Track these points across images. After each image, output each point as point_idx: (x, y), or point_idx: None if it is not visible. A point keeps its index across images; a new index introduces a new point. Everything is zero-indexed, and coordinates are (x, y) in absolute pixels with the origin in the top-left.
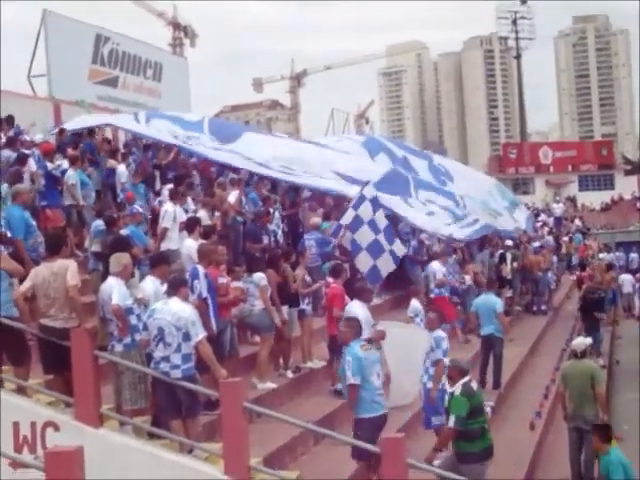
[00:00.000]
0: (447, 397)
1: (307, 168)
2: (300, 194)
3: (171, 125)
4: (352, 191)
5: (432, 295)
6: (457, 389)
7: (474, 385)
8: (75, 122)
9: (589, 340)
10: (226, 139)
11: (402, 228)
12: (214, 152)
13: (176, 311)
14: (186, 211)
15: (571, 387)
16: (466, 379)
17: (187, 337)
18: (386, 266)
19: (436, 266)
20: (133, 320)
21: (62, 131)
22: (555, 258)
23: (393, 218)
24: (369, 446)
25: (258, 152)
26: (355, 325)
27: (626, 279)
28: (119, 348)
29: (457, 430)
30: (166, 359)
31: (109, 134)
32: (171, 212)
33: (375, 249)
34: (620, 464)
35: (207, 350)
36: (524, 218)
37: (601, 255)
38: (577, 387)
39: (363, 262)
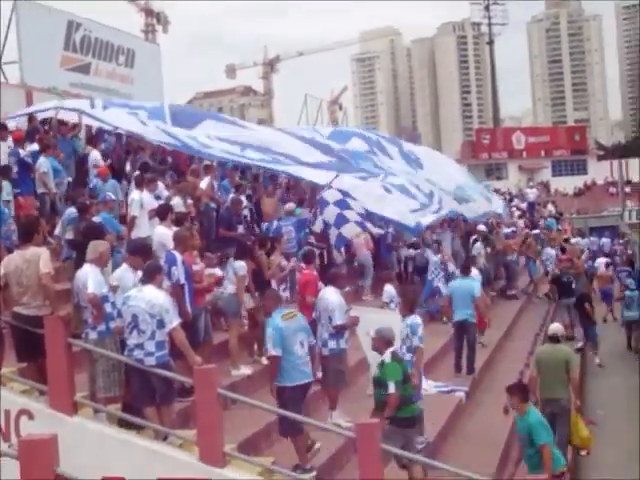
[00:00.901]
0: (376, 367)
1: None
2: (275, 180)
3: (129, 111)
4: (319, 177)
5: None
6: (387, 357)
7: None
8: (34, 108)
9: (561, 327)
10: (187, 127)
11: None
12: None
13: (150, 298)
14: (158, 197)
15: (545, 371)
16: (392, 348)
17: (161, 324)
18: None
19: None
20: (108, 308)
21: (32, 118)
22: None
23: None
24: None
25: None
26: (274, 296)
27: (602, 263)
28: (93, 336)
29: (398, 395)
30: (140, 346)
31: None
32: (137, 200)
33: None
34: (540, 423)
35: (181, 337)
36: (500, 203)
37: (574, 240)
38: (552, 372)
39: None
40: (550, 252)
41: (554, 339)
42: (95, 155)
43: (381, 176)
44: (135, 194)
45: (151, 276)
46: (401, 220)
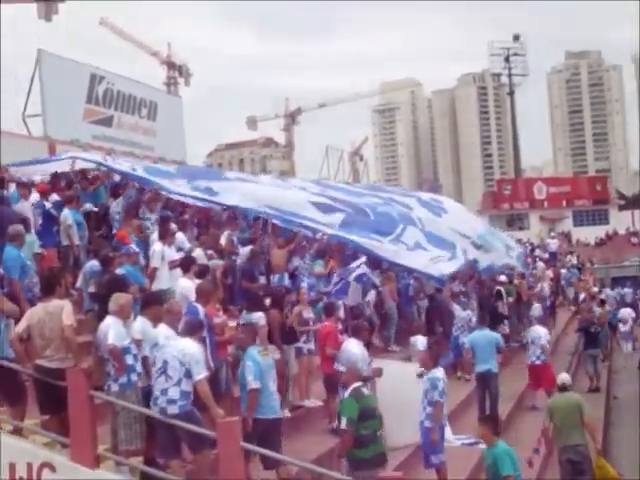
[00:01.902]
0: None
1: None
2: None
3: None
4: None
5: (531, 361)
6: (347, 392)
7: (365, 390)
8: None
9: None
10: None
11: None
12: (191, 192)
13: (183, 347)
14: (180, 250)
15: (559, 420)
16: (358, 384)
17: (189, 374)
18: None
19: (542, 331)
20: (130, 360)
21: (56, 174)
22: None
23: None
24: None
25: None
26: (250, 330)
27: (625, 312)
28: (115, 388)
29: (350, 432)
30: (165, 392)
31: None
32: (159, 251)
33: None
34: (507, 454)
35: (206, 389)
36: (515, 255)
37: (595, 289)
38: (565, 419)
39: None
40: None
41: (563, 388)
42: (116, 208)
43: (394, 235)
44: (157, 246)
45: (191, 331)
46: (425, 270)
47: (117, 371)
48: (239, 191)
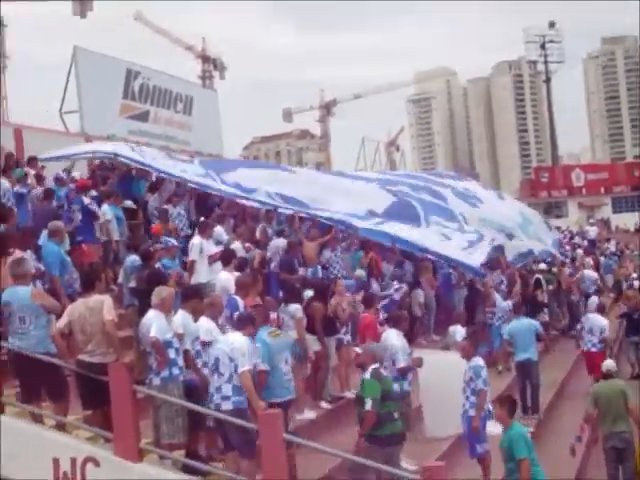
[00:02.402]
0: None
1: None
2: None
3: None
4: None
5: (587, 348)
6: (367, 374)
7: (384, 371)
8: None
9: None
10: (217, 171)
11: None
12: (216, 185)
13: (232, 342)
14: (219, 242)
15: (604, 407)
16: (376, 365)
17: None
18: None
19: (603, 321)
20: (172, 354)
21: (92, 165)
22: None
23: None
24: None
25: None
26: (261, 311)
27: None
28: (156, 381)
29: (374, 413)
30: (218, 389)
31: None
32: (197, 245)
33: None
34: (522, 437)
35: (248, 382)
36: (551, 242)
37: (634, 275)
38: (610, 406)
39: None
40: (591, 275)
41: (608, 375)
42: (153, 202)
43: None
44: (195, 239)
45: (243, 325)
46: (464, 260)
47: (159, 365)
48: (267, 185)
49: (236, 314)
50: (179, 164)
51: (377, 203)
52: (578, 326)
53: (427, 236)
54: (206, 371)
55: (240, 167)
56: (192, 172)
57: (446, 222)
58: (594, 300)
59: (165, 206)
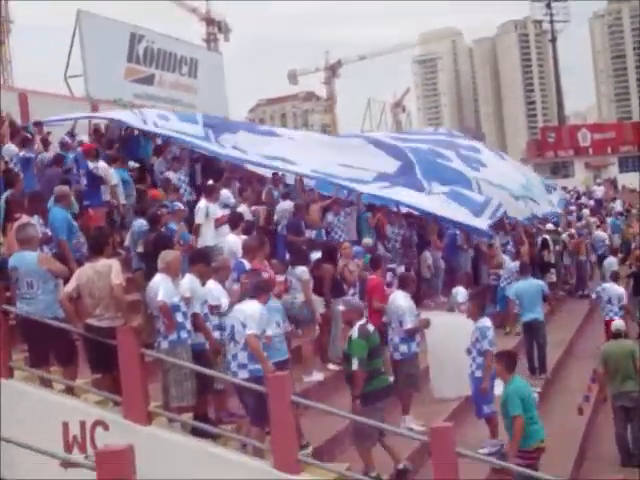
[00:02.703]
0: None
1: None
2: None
3: (159, 113)
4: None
5: (609, 317)
6: (354, 332)
7: (370, 327)
8: (65, 116)
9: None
10: (221, 131)
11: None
12: (219, 149)
13: (245, 309)
14: (226, 206)
15: (613, 366)
16: (362, 321)
17: None
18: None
19: (620, 290)
20: (179, 317)
21: (97, 130)
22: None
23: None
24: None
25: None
26: (252, 277)
27: None
28: (165, 345)
29: (362, 372)
30: (235, 357)
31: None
32: (203, 208)
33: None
34: (516, 393)
35: (256, 345)
36: (557, 201)
37: None
38: (619, 366)
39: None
40: (601, 235)
41: (617, 335)
42: (158, 165)
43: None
44: (201, 202)
45: (260, 293)
46: (472, 223)
47: (167, 328)
48: (265, 148)
49: (253, 282)
50: (180, 124)
51: (386, 166)
52: (593, 295)
53: (433, 201)
54: (216, 334)
55: (242, 130)
56: (192, 133)
57: (450, 186)
58: (611, 264)
59: (166, 173)
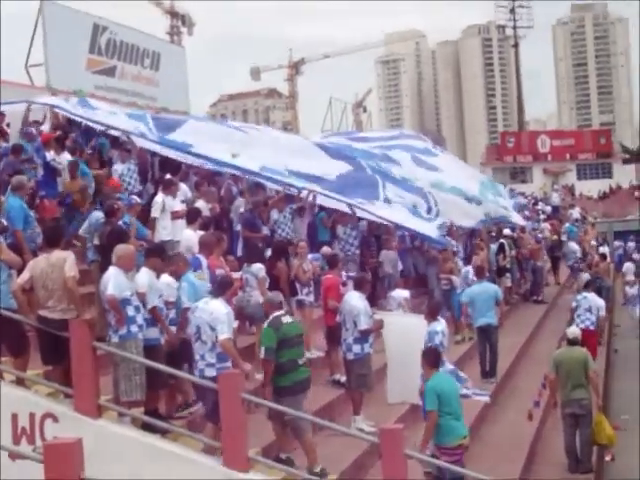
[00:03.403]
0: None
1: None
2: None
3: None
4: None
5: (585, 326)
6: (266, 322)
7: (285, 319)
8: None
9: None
10: (167, 128)
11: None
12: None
13: (212, 310)
14: (183, 201)
15: (565, 373)
16: (279, 313)
17: None
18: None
19: (600, 302)
20: (130, 311)
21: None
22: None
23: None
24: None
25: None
26: (182, 258)
27: (629, 267)
28: (115, 339)
29: (269, 360)
30: (202, 357)
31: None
32: (160, 202)
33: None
34: (433, 390)
35: (231, 349)
36: (511, 206)
37: (593, 242)
38: (571, 373)
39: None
40: (573, 246)
41: (572, 342)
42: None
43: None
44: (158, 196)
45: (222, 290)
46: (427, 232)
47: (117, 322)
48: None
49: (217, 280)
50: (126, 120)
51: (330, 169)
52: (573, 304)
53: (386, 208)
54: (172, 329)
55: (191, 120)
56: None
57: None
58: (584, 278)
59: (115, 165)
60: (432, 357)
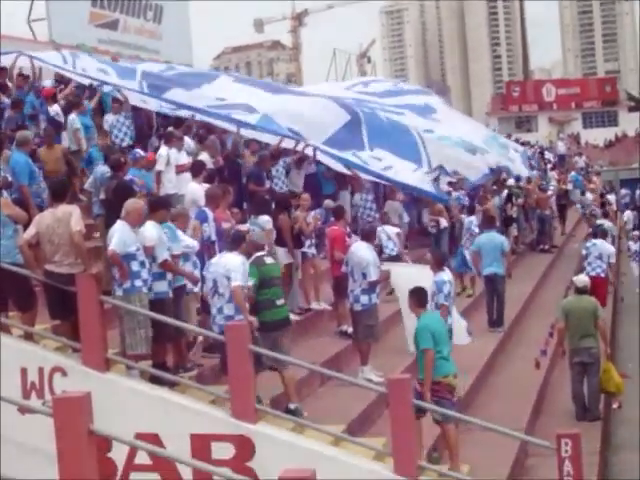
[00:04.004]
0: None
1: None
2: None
3: (98, 63)
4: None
5: (596, 273)
6: (249, 260)
7: (268, 259)
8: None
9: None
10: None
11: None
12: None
13: (226, 262)
14: (187, 153)
15: (573, 322)
16: (261, 253)
17: None
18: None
19: (611, 249)
20: (135, 266)
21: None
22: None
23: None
24: None
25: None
26: (184, 214)
27: (629, 215)
28: (119, 293)
29: (251, 298)
30: (220, 310)
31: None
32: (164, 156)
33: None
34: (426, 329)
35: (239, 297)
36: (519, 158)
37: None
38: (580, 322)
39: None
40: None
41: (581, 290)
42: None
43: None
44: (162, 150)
45: (236, 244)
46: (424, 187)
47: (120, 276)
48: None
49: (231, 234)
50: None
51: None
52: (583, 251)
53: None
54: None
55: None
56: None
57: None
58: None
59: (106, 116)
60: (419, 296)
